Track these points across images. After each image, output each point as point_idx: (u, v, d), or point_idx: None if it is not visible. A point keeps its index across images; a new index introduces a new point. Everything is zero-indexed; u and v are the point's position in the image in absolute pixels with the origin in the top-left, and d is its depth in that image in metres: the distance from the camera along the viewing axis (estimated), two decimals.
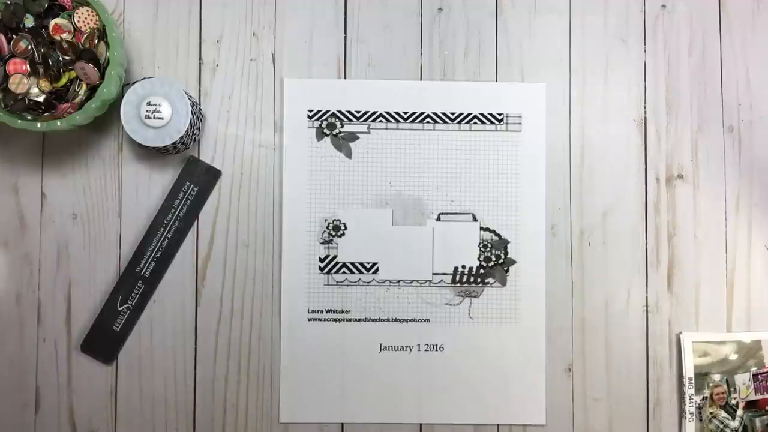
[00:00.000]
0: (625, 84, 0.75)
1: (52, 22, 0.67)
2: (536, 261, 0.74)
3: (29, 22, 0.67)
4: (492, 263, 0.74)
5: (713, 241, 0.74)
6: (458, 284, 0.73)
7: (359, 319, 0.73)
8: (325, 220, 0.73)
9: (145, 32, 0.74)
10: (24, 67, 0.66)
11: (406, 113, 0.74)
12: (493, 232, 0.74)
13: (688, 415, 0.71)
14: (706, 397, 0.71)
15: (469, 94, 0.74)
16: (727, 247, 0.74)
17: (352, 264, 0.73)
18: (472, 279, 0.73)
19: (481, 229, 0.74)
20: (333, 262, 0.73)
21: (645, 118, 0.75)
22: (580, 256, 0.74)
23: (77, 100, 0.67)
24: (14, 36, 0.66)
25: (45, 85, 0.67)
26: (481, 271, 0.73)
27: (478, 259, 0.73)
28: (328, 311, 0.73)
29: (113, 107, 0.70)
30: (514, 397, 0.73)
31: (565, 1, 0.75)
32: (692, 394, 0.71)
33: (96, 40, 0.67)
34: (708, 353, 0.72)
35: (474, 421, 0.73)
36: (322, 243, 0.73)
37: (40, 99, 0.67)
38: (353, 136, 0.74)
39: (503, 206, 0.74)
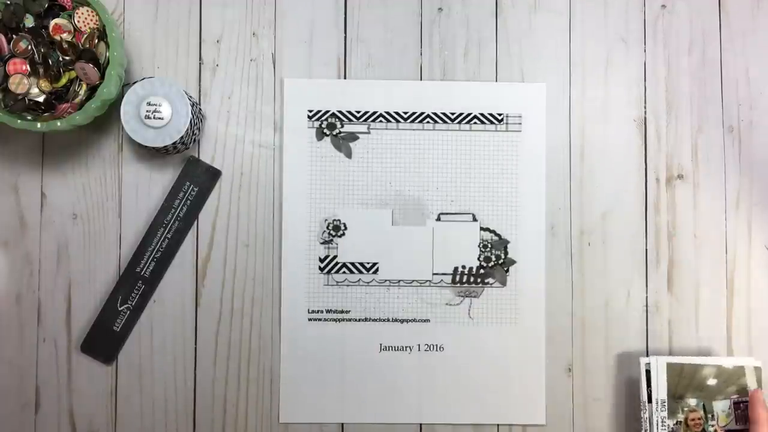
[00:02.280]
0: (625, 84, 0.75)
1: (52, 22, 0.67)
2: (536, 261, 0.74)
3: (29, 22, 0.67)
4: (492, 263, 0.74)
5: (713, 241, 0.74)
6: (458, 284, 0.73)
7: (359, 319, 0.73)
8: (325, 220, 0.73)
9: (145, 32, 0.74)
10: (24, 67, 0.66)
11: (406, 113, 0.74)
12: (493, 232, 0.74)
13: None
14: (680, 422, 0.68)
15: (468, 94, 0.74)
16: (727, 247, 0.74)
17: (352, 264, 0.73)
18: (472, 279, 0.73)
19: (481, 229, 0.74)
20: (333, 262, 0.73)
21: (645, 118, 0.75)
22: (580, 256, 0.74)
23: (77, 100, 0.67)
24: (14, 36, 0.66)
25: (45, 85, 0.67)
26: (481, 271, 0.73)
27: (478, 259, 0.73)
28: (328, 311, 0.73)
29: (113, 107, 0.70)
30: (514, 397, 0.73)
31: (565, 0, 0.75)
32: (665, 417, 0.67)
33: (96, 40, 0.67)
34: (684, 376, 0.68)
35: (474, 421, 0.73)
36: (322, 243, 0.73)
37: (40, 99, 0.67)
38: (353, 136, 0.74)
39: (503, 206, 0.74)
